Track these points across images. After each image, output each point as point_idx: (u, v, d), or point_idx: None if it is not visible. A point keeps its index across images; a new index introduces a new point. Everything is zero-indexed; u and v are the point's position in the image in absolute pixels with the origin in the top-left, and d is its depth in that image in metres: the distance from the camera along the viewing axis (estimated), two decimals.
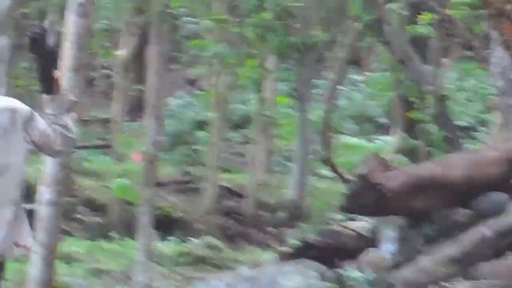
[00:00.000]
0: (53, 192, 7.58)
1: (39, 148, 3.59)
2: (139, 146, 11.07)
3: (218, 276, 10.31)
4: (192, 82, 23.13)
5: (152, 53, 9.77)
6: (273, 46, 13.22)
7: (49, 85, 3.58)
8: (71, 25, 8.09)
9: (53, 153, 3.82)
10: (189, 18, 17.79)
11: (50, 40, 3.62)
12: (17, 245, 3.40)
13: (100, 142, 17.20)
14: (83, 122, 13.73)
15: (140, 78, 15.79)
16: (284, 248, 10.93)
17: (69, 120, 3.60)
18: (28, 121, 3.46)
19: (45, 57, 3.58)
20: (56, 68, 3.55)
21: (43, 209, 7.84)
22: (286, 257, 10.06)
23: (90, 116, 18.66)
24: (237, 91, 17.54)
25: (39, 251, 7.67)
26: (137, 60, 15.70)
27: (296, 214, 14.62)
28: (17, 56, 17.06)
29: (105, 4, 16.49)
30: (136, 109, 16.60)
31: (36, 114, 3.52)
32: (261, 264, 11.04)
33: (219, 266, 12.10)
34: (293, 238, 11.54)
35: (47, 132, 3.52)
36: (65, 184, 8.25)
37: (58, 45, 4.08)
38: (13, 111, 3.45)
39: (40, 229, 7.80)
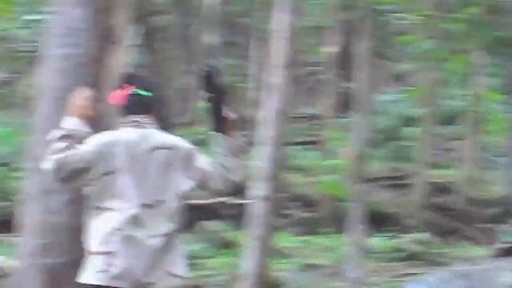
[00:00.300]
0: (267, 187, 7.72)
1: (198, 185, 3.72)
2: (347, 142, 11.22)
3: (431, 272, 10.03)
4: (399, 78, 23.10)
5: (360, 50, 9.81)
6: (481, 41, 12.71)
7: (220, 124, 3.64)
8: (279, 22, 8.27)
9: (211, 191, 3.90)
10: (396, 14, 17.75)
11: (219, 78, 3.71)
12: (170, 274, 3.60)
13: (308, 139, 17.52)
14: (291, 119, 14.08)
15: (347, 74, 15.91)
16: (498, 245, 11.06)
17: (234, 162, 3.68)
18: (188, 160, 3.64)
19: (216, 95, 3.65)
20: (226, 106, 3.64)
21: (256, 204, 7.97)
22: (500, 253, 10.21)
23: (298, 113, 19.07)
24: (445, 87, 17.36)
25: (253, 246, 7.90)
26: (344, 57, 15.86)
27: (508, 210, 14.19)
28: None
29: (312, 1, 16.88)
30: (343, 105, 16.76)
31: (197, 153, 3.68)
32: (474, 260, 10.81)
33: (431, 261, 11.95)
34: (507, 234, 11.80)
35: (208, 171, 3.64)
36: (278, 180, 8.36)
37: (225, 84, 4.00)
38: (172, 148, 3.65)
39: (254, 224, 8.02)
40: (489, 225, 13.67)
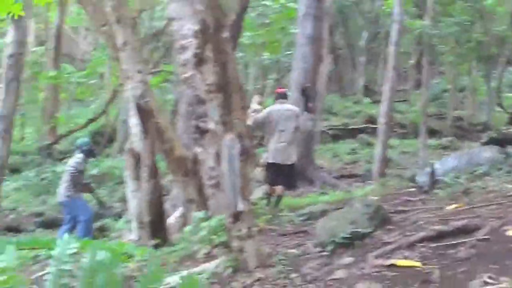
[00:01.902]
0: None
1: (301, 128, 10.34)
2: None
3: (450, 154, 15.00)
4: None
5: None
6: None
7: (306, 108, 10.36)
8: None
9: (302, 133, 10.82)
10: None
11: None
12: (292, 160, 10.54)
13: None
14: None
15: None
16: (484, 138, 13.76)
17: (309, 120, 10.35)
18: (298, 116, 10.22)
19: (306, 95, 10.64)
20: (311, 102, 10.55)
21: None
22: (485, 143, 12.52)
23: None
24: None
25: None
26: None
27: None
28: None
29: None
30: None
31: (300, 114, 10.26)
32: (470, 147, 15.36)
33: (453, 150, 18.76)
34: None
35: (303, 122, 10.28)
36: None
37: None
38: (294, 111, 10.35)
39: None
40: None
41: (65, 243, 1.63)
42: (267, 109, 10.41)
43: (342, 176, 16.38)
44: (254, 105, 11.45)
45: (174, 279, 5.83)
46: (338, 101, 31.30)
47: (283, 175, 10.23)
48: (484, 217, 6.44)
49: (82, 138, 13.41)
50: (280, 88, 11.10)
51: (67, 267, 1.60)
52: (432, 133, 22.12)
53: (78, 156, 11.34)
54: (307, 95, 10.47)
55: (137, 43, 8.60)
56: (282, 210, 9.64)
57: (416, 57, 27.25)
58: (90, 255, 1.61)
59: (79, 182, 11.03)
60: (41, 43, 28.02)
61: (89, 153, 11.64)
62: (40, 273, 5.56)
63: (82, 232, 10.92)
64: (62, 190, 11.26)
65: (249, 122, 9.21)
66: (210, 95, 7.47)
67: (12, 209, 16.46)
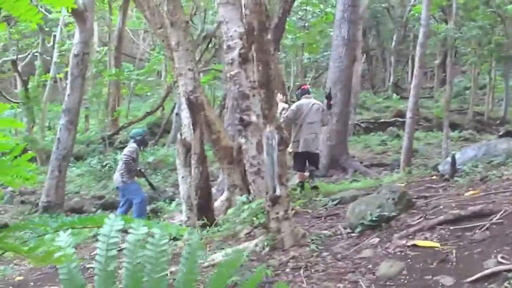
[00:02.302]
0: None
1: (322, 121, 10.45)
2: None
3: (469, 145, 16.08)
4: None
5: None
6: None
7: (328, 105, 10.47)
8: None
9: (324, 124, 10.58)
10: None
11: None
12: (318, 149, 10.65)
13: None
14: None
15: None
16: (501, 131, 13.16)
17: (328, 115, 10.63)
18: (323, 110, 10.37)
19: (328, 96, 10.64)
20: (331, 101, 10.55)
21: None
22: (502, 135, 11.68)
23: None
24: None
25: None
26: None
27: None
28: None
29: None
30: None
31: (325, 108, 10.38)
32: (489, 140, 13.78)
33: (473, 142, 19.15)
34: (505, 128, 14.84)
35: (324, 117, 10.45)
36: None
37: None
38: (318, 105, 10.40)
39: None
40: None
41: (113, 220, 1.66)
42: (296, 104, 10.39)
43: (372, 165, 16.38)
44: (281, 104, 11.57)
45: (218, 256, 5.90)
46: (370, 97, 31.41)
47: (311, 162, 10.33)
48: (499, 202, 6.36)
49: (136, 129, 13.46)
50: (304, 85, 11.13)
51: (114, 241, 1.63)
52: (454, 126, 22.22)
53: (131, 146, 11.44)
54: (329, 96, 10.50)
55: (189, 44, 8.63)
56: (318, 195, 9.63)
57: (441, 57, 27.06)
58: (136, 230, 1.63)
59: (132, 169, 11.15)
60: (104, 44, 28.41)
61: (142, 142, 11.68)
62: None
63: (136, 213, 11.10)
64: (117, 176, 11.40)
65: (282, 120, 9.37)
66: (253, 91, 7.51)
67: (76, 192, 16.83)
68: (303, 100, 10.37)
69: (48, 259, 1.53)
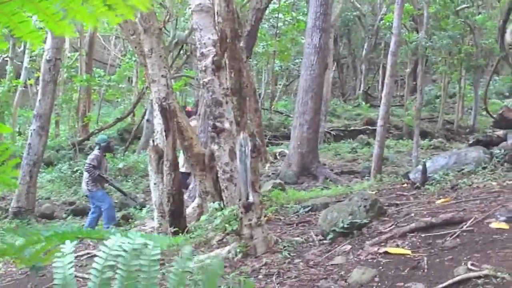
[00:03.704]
0: None
1: None
2: None
3: (439, 154, 19.52)
4: None
5: None
6: None
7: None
8: None
9: None
10: None
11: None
12: None
13: None
14: None
15: None
16: (470, 140, 13.05)
17: None
18: None
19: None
20: None
21: None
22: (471, 144, 11.60)
23: None
24: None
25: None
26: None
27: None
28: None
29: None
30: None
31: None
32: (459, 148, 14.49)
33: (441, 150, 21.29)
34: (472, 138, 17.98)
35: None
36: None
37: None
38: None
39: None
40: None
41: (117, 235, 1.74)
42: None
43: (343, 173, 16.45)
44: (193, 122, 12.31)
45: (201, 258, 5.92)
46: (340, 105, 31.68)
47: None
48: (470, 210, 6.49)
49: (101, 135, 13.62)
50: (187, 107, 11.83)
51: (114, 253, 1.71)
52: (425, 134, 22.23)
53: (94, 152, 11.54)
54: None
55: (162, 50, 8.66)
56: (288, 202, 9.68)
57: (412, 66, 27.43)
58: (133, 240, 1.70)
59: (94, 176, 11.16)
60: (75, 49, 28.27)
61: (106, 148, 11.67)
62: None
63: (105, 219, 11.24)
64: (83, 185, 11.54)
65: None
66: (227, 98, 7.55)
67: (46, 198, 16.55)
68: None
69: (35, 258, 1.56)
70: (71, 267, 1.75)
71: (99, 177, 11.30)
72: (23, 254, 1.58)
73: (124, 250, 1.70)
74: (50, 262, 1.76)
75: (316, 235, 6.74)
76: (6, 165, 1.62)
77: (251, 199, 6.09)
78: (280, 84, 33.53)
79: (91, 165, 11.16)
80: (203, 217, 7.77)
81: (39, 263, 1.70)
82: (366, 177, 14.20)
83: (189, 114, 13.10)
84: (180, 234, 7.76)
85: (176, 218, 8.30)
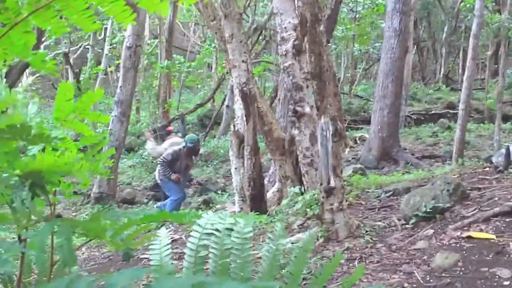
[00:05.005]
0: None
1: None
2: None
3: None
4: None
5: None
6: None
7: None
8: None
9: None
10: None
11: None
12: None
13: None
14: None
15: None
16: None
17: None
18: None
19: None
20: None
21: None
22: None
23: None
24: None
25: None
26: None
27: None
28: None
29: None
30: None
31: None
32: None
33: None
34: None
35: None
36: None
37: None
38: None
39: None
40: None
41: (209, 215, 1.78)
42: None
43: (423, 157, 16.15)
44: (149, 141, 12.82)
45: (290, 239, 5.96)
46: (421, 89, 30.97)
47: None
48: None
49: (193, 135, 12.56)
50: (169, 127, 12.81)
51: (207, 231, 1.73)
52: (507, 118, 21.28)
53: (175, 149, 11.38)
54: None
55: (242, 36, 8.68)
56: (369, 187, 9.58)
57: (494, 48, 26.43)
58: (224, 220, 1.72)
59: (169, 171, 11.15)
60: (155, 36, 28.73)
61: (191, 150, 11.38)
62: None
63: (169, 208, 11.05)
64: (156, 172, 11.62)
65: None
66: (307, 82, 7.51)
67: (127, 183, 17.03)
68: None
69: (129, 242, 1.60)
70: (168, 250, 1.79)
71: (168, 173, 11.24)
72: (117, 238, 1.61)
73: (217, 229, 1.72)
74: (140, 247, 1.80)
75: (398, 220, 6.66)
76: (102, 154, 1.65)
77: (332, 183, 6.05)
78: (359, 68, 33.15)
79: (165, 160, 11.18)
80: (284, 202, 7.78)
81: (131, 247, 1.74)
82: (448, 161, 13.93)
83: (168, 133, 13.62)
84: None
85: (257, 203, 8.35)
